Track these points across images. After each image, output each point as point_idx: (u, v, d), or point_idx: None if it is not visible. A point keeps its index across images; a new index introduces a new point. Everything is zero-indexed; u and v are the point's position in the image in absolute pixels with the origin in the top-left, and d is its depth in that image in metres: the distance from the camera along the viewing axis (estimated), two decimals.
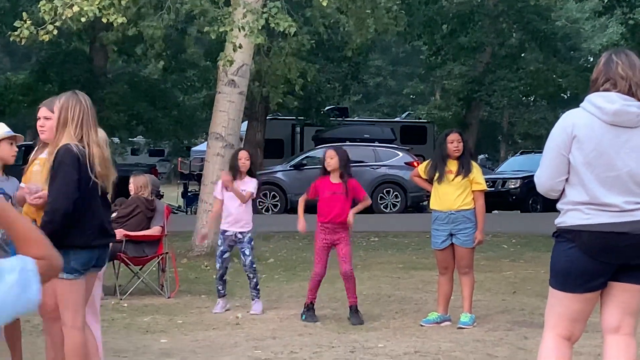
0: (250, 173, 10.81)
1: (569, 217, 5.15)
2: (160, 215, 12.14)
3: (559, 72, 35.87)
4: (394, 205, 28.09)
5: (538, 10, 33.17)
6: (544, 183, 5.25)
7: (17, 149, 7.19)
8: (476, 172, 9.78)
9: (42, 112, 6.78)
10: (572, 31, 47.96)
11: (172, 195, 32.99)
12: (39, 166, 6.63)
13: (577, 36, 49.22)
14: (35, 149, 6.97)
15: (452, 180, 9.70)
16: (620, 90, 5.10)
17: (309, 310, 10.18)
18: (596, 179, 5.07)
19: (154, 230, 11.97)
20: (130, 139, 41.31)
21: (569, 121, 5.17)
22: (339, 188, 10.03)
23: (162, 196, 14.31)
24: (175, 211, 26.35)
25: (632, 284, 5.19)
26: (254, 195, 10.81)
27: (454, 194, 9.69)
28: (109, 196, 6.65)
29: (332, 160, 10.09)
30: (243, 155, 10.83)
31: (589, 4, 41.56)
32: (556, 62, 36.71)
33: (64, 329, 6.33)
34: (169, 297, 11.80)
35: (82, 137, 6.16)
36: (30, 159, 6.94)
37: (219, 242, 10.85)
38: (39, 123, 6.77)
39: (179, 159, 39.97)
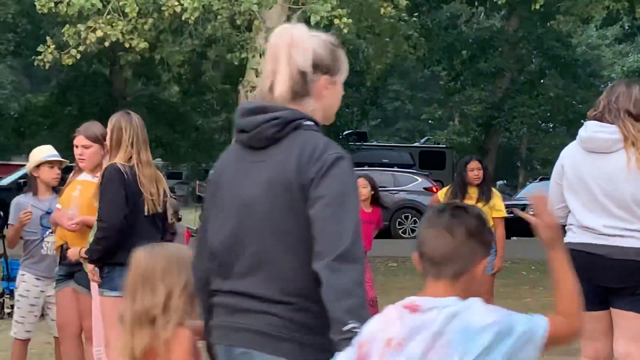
0: None
1: (566, 236, 5.45)
2: (180, 238, 12.15)
3: (578, 99, 35.86)
4: (412, 231, 27.99)
5: (558, 36, 33.16)
6: None
7: (59, 172, 7.23)
8: (497, 199, 9.77)
9: (80, 140, 6.76)
10: (592, 58, 47.92)
11: (190, 217, 32.95)
12: (79, 191, 6.62)
13: (597, 63, 49.13)
14: (73, 171, 6.99)
15: None
16: (596, 117, 5.41)
17: None
18: (580, 203, 5.39)
19: None
20: None
21: (562, 152, 5.62)
22: (373, 217, 9.88)
23: (180, 219, 14.31)
24: (194, 234, 26.35)
25: (622, 309, 5.36)
26: None
27: None
28: (169, 216, 6.65)
29: (364, 189, 9.96)
30: None
31: (610, 30, 41.54)
32: (576, 88, 36.69)
33: (106, 349, 6.29)
34: None
35: (131, 156, 6.17)
36: (68, 181, 6.96)
37: None
38: (77, 152, 6.77)
39: (197, 182, 40.02)
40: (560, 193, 5.50)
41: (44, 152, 7.36)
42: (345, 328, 2.98)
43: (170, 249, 3.86)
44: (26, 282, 7.42)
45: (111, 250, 6.08)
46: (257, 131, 3.21)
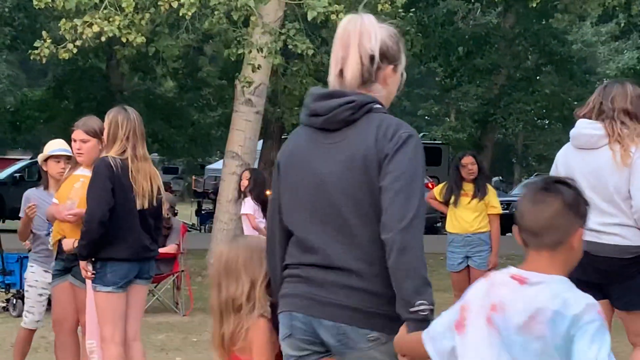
0: (252, 193, 10.59)
1: None
2: (176, 233, 12.19)
3: (574, 95, 35.82)
4: None
5: (554, 33, 33.16)
6: None
7: (64, 167, 7.25)
8: (492, 195, 9.81)
9: (78, 134, 6.77)
10: (588, 55, 47.94)
11: (186, 213, 33.01)
12: (81, 184, 6.64)
13: (593, 60, 49.17)
14: (70, 166, 7.02)
15: (468, 203, 9.74)
16: (585, 117, 5.55)
17: None
18: None
19: (170, 248, 12.01)
20: None
21: (558, 152, 5.76)
22: None
23: (176, 214, 14.36)
24: (190, 229, 26.40)
25: (617, 308, 5.41)
26: (250, 215, 10.56)
27: (470, 216, 9.72)
28: (164, 211, 6.68)
29: None
30: (244, 176, 10.82)
31: (605, 27, 41.56)
32: (572, 85, 36.67)
33: (102, 344, 6.32)
34: (184, 315, 11.83)
35: (125, 150, 6.19)
36: (64, 176, 6.98)
37: None
38: (75, 146, 6.78)
39: (193, 177, 40.02)
40: None
41: (52, 146, 7.41)
42: (413, 309, 3.22)
43: (251, 241, 4.14)
44: (34, 273, 7.49)
45: (97, 243, 6.11)
46: (333, 114, 3.43)
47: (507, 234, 27.64)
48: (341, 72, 3.48)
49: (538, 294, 2.95)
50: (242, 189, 10.71)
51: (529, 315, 2.92)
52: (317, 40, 18.99)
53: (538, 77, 37.68)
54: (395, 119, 3.47)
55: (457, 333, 3.08)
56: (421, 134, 50.15)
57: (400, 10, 19.02)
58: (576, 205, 3.03)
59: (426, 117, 63.81)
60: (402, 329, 3.28)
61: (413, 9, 27.93)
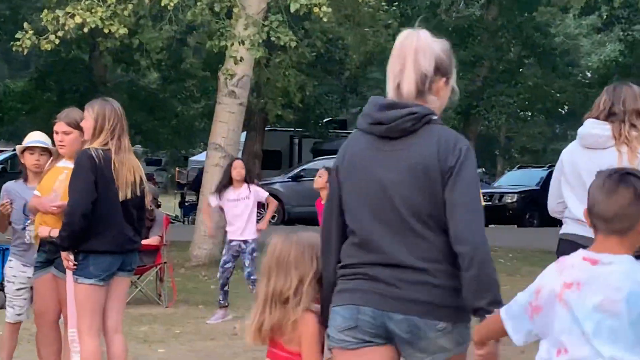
0: (247, 181, 10.96)
1: (561, 228, 5.75)
2: (159, 225, 12.19)
3: (556, 88, 35.92)
4: None
5: (537, 25, 33.22)
6: (548, 205, 5.91)
7: (38, 159, 7.21)
8: None
9: (61, 126, 6.74)
10: (570, 47, 48.07)
11: (169, 205, 32.97)
12: (65, 175, 6.61)
13: (576, 52, 49.29)
14: (52, 158, 6.99)
15: None
16: (592, 115, 5.66)
17: None
18: (576, 197, 5.57)
19: (153, 240, 12.01)
20: None
21: (563, 150, 5.86)
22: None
23: (159, 205, 14.35)
24: (173, 221, 26.38)
25: None
26: (267, 199, 11.00)
27: None
28: (147, 202, 6.66)
29: (320, 179, 10.18)
30: (238, 165, 10.94)
31: (587, 20, 41.66)
32: (554, 77, 36.77)
33: (79, 336, 6.29)
34: (166, 307, 11.84)
35: (107, 142, 6.18)
36: (46, 168, 6.96)
37: (224, 251, 11.00)
38: (57, 138, 6.75)
39: (177, 168, 39.96)
40: (560, 188, 5.74)
41: (28, 138, 7.36)
42: (489, 314, 3.55)
43: (305, 238, 4.26)
44: (12, 268, 7.43)
45: (78, 236, 6.09)
46: (395, 124, 3.72)
47: (489, 226, 27.78)
48: (398, 86, 3.78)
49: (612, 273, 3.20)
50: (238, 177, 10.85)
51: (605, 294, 3.16)
52: (300, 32, 18.98)
53: (521, 70, 37.77)
54: (450, 130, 3.80)
55: (532, 314, 3.34)
56: None
57: (383, 3, 19.06)
58: None
59: None
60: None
61: (396, 2, 28.01)
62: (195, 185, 20.57)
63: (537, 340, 3.42)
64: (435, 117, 3.76)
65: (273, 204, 11.34)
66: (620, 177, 3.31)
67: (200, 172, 20.01)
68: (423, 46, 3.79)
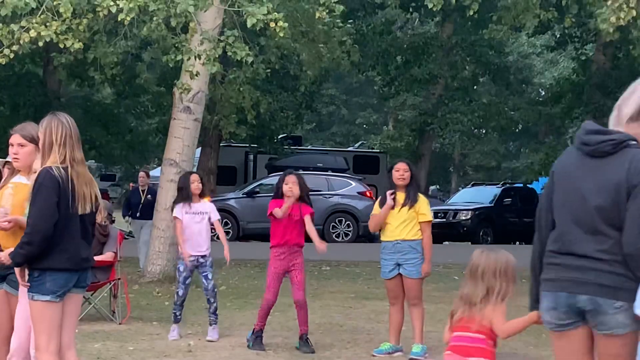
0: (203, 196, 10.89)
1: None
2: (113, 240, 12.11)
3: (510, 105, 36.21)
4: (346, 235, 28.19)
5: (491, 43, 33.50)
6: None
7: None
8: (422, 203, 9.82)
9: (16, 139, 6.68)
10: (524, 65, 48.52)
11: (123, 220, 32.74)
12: (11, 190, 6.55)
13: (529, 70, 49.79)
14: (7, 173, 6.92)
15: (399, 211, 9.76)
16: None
17: (257, 338, 10.08)
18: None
19: (107, 256, 11.93)
20: None
21: None
22: (297, 212, 10.04)
23: (114, 221, 14.25)
24: (127, 237, 26.20)
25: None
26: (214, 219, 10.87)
27: (400, 224, 9.75)
28: (101, 218, 6.59)
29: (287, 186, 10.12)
30: (195, 179, 10.84)
31: (540, 39, 42.06)
32: (508, 95, 37.09)
33: (37, 354, 6.22)
34: (120, 324, 11.75)
35: (65, 157, 6.12)
36: (1, 183, 6.88)
37: (181, 267, 10.76)
38: (12, 150, 6.69)
39: (131, 184, 39.76)
40: None
41: None
42: None
43: (498, 256, 5.49)
44: None
45: (35, 254, 6.04)
46: (598, 146, 4.78)
47: (443, 243, 27.91)
48: (618, 114, 4.83)
49: None
50: (196, 191, 10.75)
51: None
52: (255, 48, 18.99)
53: (475, 87, 38.06)
54: None
55: None
56: (359, 143, 50.43)
57: (338, 20, 19.13)
58: None
59: (364, 126, 64.10)
60: None
61: (351, 19, 28.11)
62: (125, 210, 19.79)
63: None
64: (633, 142, 4.73)
65: (220, 228, 11.22)
66: None
67: (132, 193, 19.42)
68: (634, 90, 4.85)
